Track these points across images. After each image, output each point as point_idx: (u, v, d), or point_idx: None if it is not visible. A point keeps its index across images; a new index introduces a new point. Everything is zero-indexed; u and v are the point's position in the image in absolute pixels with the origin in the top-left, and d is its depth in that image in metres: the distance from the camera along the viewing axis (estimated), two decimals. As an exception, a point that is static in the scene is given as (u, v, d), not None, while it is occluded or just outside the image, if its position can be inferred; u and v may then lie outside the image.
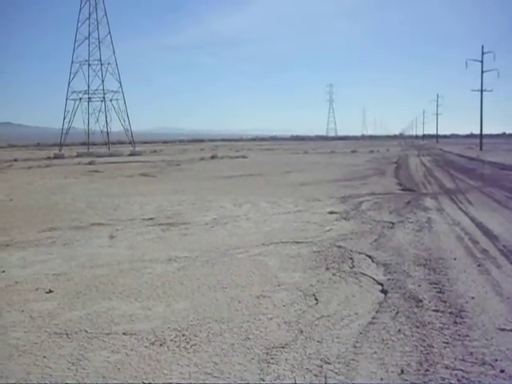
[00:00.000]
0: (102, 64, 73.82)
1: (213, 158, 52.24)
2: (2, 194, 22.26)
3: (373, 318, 6.63)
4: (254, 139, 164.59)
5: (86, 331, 6.44)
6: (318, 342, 5.89)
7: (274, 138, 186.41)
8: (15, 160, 52.63)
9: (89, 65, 73.75)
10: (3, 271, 9.40)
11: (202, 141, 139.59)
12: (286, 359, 5.44)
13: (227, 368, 5.28)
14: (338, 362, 5.34)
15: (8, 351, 5.87)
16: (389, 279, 8.34)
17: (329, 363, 5.32)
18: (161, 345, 5.93)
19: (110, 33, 74.57)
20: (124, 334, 6.32)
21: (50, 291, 8.08)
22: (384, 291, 7.75)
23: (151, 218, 15.00)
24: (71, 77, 74.80)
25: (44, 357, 5.70)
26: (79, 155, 64.15)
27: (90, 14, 74.35)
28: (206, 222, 14.27)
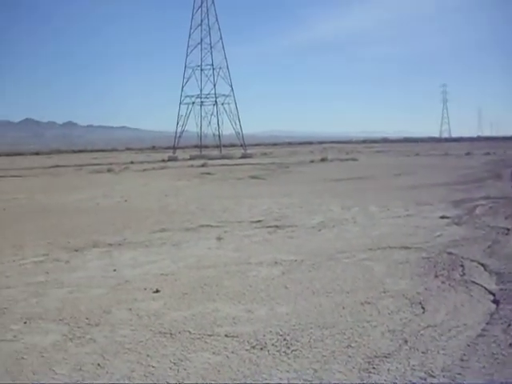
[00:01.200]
0: (213, 68, 75.54)
1: (322, 160, 52.01)
2: (117, 196, 23.23)
3: (482, 329, 6.28)
4: (365, 141, 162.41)
5: (190, 332, 6.53)
6: (422, 352, 5.65)
7: (385, 140, 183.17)
8: (131, 162, 54.90)
9: (201, 70, 75.67)
10: (114, 270, 9.76)
11: (311, 143, 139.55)
12: (389, 369, 5.25)
13: (327, 376, 5.17)
14: (443, 376, 5.08)
15: (114, 348, 6.06)
16: (501, 289, 7.88)
17: (433, 376, 5.08)
18: (261, 349, 5.91)
19: (221, 38, 76.22)
20: (226, 336, 6.36)
21: (158, 291, 8.28)
22: (496, 301, 7.33)
23: (259, 221, 15.09)
24: (184, 82, 77.09)
25: (148, 355, 5.83)
26: (192, 158, 65.90)
27: (201, 21, 76.37)
28: (312, 225, 14.18)
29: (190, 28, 76.72)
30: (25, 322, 7.04)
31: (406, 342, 5.97)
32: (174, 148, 77.08)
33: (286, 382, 5.08)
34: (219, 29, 76.36)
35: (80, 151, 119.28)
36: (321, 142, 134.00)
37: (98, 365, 5.62)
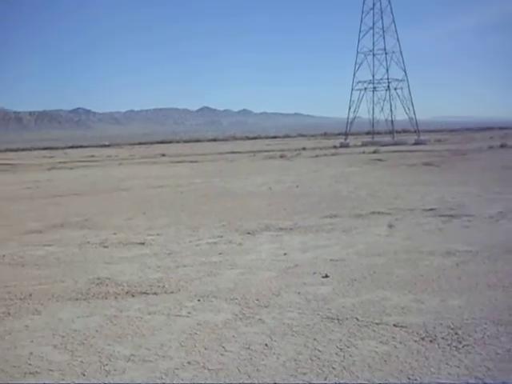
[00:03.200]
0: (386, 53, 73.76)
1: (502, 146, 48.97)
2: (289, 181, 23.62)
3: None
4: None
5: (357, 319, 6.46)
6: None
7: None
8: (303, 149, 55.52)
9: (373, 54, 74.23)
10: (285, 254, 9.92)
11: (491, 129, 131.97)
12: None
13: (502, 375, 4.85)
14: None
15: (282, 330, 6.15)
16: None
17: None
18: (431, 341, 5.69)
19: (393, 21, 74.15)
20: (394, 325, 6.20)
21: (326, 276, 8.28)
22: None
23: (432, 209, 14.56)
24: (356, 67, 76.13)
25: (314, 339, 5.85)
26: (364, 144, 65.18)
27: (373, 5, 74.75)
28: (490, 214, 13.39)
29: (362, 12, 75.52)
30: (198, 300, 7.38)
31: None
32: (346, 134, 76.63)
33: (456, 377, 4.85)
34: (392, 12, 74.45)
35: (254, 138, 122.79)
36: (502, 128, 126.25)
37: (266, 345, 5.74)
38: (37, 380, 5.19)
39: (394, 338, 5.82)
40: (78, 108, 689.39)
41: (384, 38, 73.77)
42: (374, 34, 74.23)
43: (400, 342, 5.69)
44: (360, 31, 75.14)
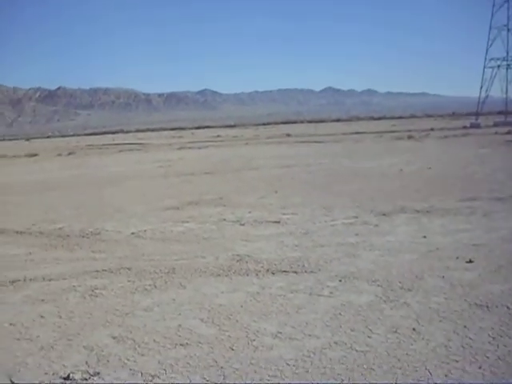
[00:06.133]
0: (523, 27, 69.38)
1: None
2: (419, 162, 22.94)
3: None
4: None
5: (508, 307, 6.15)
6: None
7: None
8: (431, 129, 53.68)
9: (508, 30, 70.17)
10: (424, 236, 9.64)
11: None
12: None
13: None
14: None
15: (429, 315, 5.98)
16: None
17: None
18: None
19: (532, -7, 69.44)
20: None
21: (471, 261, 7.96)
22: None
23: None
24: (489, 43, 72.31)
25: (464, 326, 5.64)
26: (496, 125, 62.00)
27: (510, -26, 70.35)
28: None
29: (497, -15, 71.38)
30: (340, 280, 7.34)
31: None
32: (477, 114, 73.30)
33: None
34: (533, -18, 69.78)
35: (379, 118, 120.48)
36: None
37: (414, 329, 5.61)
38: (187, 352, 5.37)
39: None
40: (205, 89, 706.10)
41: (521, 11, 69.50)
42: (509, 8, 70.18)
43: None
44: (494, 4, 71.22)
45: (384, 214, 11.73)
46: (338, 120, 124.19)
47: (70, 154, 49.33)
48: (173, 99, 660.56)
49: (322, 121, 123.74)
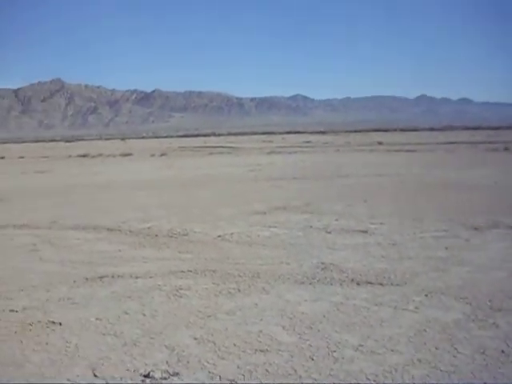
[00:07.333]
0: None
1: None
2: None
3: None
4: None
5: None
6: None
7: None
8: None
9: None
10: (518, 254, 9.23)
11: None
12: None
13: None
14: None
15: (521, 337, 5.71)
16: None
17: None
18: None
19: None
20: None
21: None
22: None
23: None
24: None
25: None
26: None
27: None
28: None
29: None
30: (426, 295, 7.13)
31: None
32: None
33: None
34: None
35: (474, 128, 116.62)
36: None
37: (502, 352, 5.36)
38: (267, 358, 5.35)
39: None
40: (297, 95, 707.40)
41: None
42: None
43: None
44: None
45: (476, 229, 11.31)
46: (431, 129, 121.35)
47: (162, 155, 50.63)
48: (265, 104, 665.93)
49: (414, 129, 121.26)
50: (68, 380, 5.03)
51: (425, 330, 5.93)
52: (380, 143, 58.49)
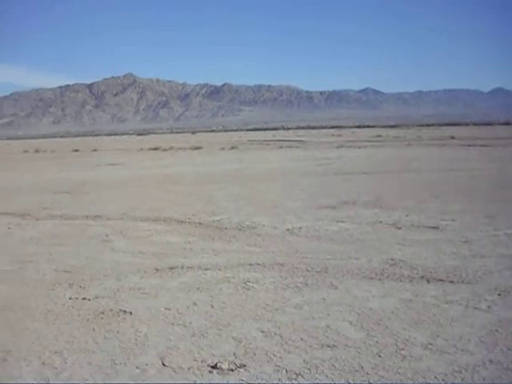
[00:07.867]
0: None
1: None
2: None
3: None
4: None
5: None
6: None
7: None
8: None
9: None
10: None
11: None
12: None
13: None
14: None
15: None
16: None
17: None
18: None
19: None
20: None
21: None
22: None
23: None
24: None
25: None
26: None
27: None
28: None
29: None
30: (499, 294, 6.91)
31: None
32: None
33: None
34: None
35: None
36: None
37: None
38: (333, 353, 5.32)
39: None
40: (367, 88, 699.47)
41: None
42: None
43: None
44: None
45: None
46: (507, 123, 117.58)
47: (232, 148, 51.10)
48: (334, 97, 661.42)
49: (489, 123, 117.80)
50: (136, 368, 5.16)
51: (497, 331, 5.76)
52: (452, 137, 57.18)
